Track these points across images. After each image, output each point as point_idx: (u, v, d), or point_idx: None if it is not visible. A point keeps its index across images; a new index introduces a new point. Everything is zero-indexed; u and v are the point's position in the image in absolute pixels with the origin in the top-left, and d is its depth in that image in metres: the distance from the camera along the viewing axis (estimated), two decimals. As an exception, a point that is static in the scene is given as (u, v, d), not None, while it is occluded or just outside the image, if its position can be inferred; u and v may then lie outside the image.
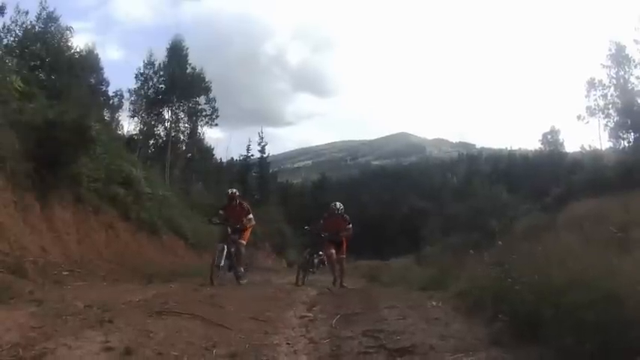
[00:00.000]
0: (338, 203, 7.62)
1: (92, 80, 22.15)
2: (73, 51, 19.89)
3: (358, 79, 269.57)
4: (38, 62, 16.66)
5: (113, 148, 9.61)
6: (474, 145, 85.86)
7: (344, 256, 7.44)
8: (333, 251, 7.22)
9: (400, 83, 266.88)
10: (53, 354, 2.24)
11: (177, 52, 26.94)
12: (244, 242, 6.71)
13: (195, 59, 28.05)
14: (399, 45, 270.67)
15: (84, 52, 21.44)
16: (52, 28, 19.31)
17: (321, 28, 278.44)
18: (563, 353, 1.93)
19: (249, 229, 6.90)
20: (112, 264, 6.25)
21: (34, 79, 11.30)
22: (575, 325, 1.92)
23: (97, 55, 23.75)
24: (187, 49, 27.34)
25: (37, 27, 18.93)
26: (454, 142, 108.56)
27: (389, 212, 41.95)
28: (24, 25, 18.48)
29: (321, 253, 7.32)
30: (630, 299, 1.84)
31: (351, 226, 7.46)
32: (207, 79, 27.68)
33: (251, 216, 6.77)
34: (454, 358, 2.24)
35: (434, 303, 3.80)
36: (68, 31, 19.80)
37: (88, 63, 21.49)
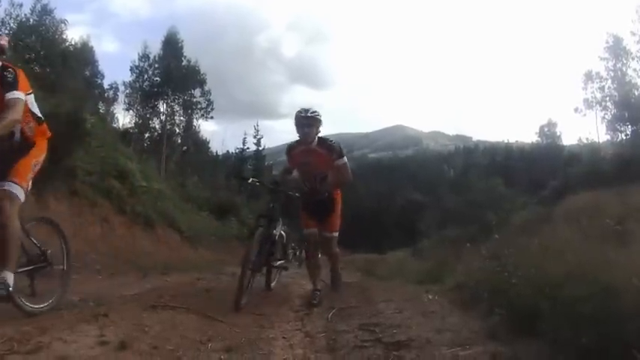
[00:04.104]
0: (309, 108, 3.77)
1: (87, 73, 22.04)
2: (67, 44, 19.78)
3: (354, 71, 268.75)
4: (32, 55, 16.54)
5: (108, 141, 9.54)
6: (470, 138, 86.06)
7: (335, 234, 3.86)
8: (315, 230, 3.76)
9: (396, 75, 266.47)
10: (48, 348, 2.21)
11: (172, 45, 26.82)
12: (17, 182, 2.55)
13: (191, 52, 27.97)
14: (394, 37, 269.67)
15: (78, 45, 21.34)
16: (47, 21, 19.17)
17: (316, 19, 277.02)
18: (560, 346, 1.92)
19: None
20: (107, 257, 6.22)
21: (28, 71, 11.14)
22: (572, 318, 1.92)
23: (92, 47, 23.67)
24: (182, 41, 27.27)
25: (31, 19, 18.80)
26: (451, 134, 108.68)
27: (385, 205, 42.05)
28: (18, 18, 18.33)
29: (294, 244, 4.57)
30: (627, 292, 1.84)
31: (345, 160, 3.76)
32: (202, 72, 27.63)
33: (17, 95, 2.50)
34: (451, 352, 2.24)
35: (430, 297, 3.79)
36: (63, 24, 19.67)
37: (83, 56, 21.37)
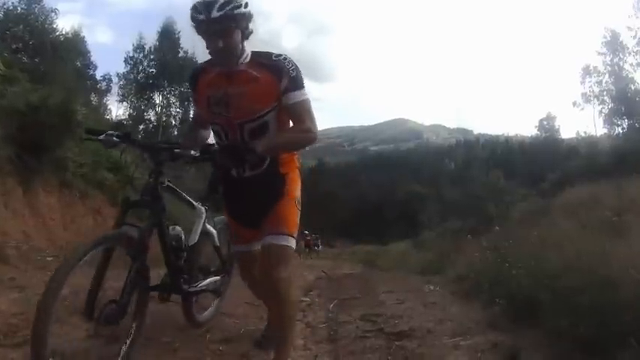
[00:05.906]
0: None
1: (78, 64, 21.72)
2: (58, 33, 19.44)
3: (356, 64, 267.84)
4: (21, 45, 16.28)
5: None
6: (471, 131, 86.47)
7: (288, 239, 1.72)
8: (247, 247, 1.92)
9: (398, 68, 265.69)
10: (36, 341, 2.16)
11: (168, 36, 26.54)
12: None
13: (188, 43, 27.61)
14: (396, 30, 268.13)
15: (69, 35, 20.96)
16: (36, 10, 18.84)
17: (318, 12, 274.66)
18: (559, 335, 1.93)
19: None
20: (100, 250, 6.11)
21: (16, 61, 10.95)
22: (571, 308, 1.93)
23: (84, 37, 23.27)
24: (179, 32, 26.91)
25: (19, 8, 18.45)
26: (452, 127, 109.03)
27: (387, 198, 42.22)
28: (5, 6, 18.03)
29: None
30: (624, 283, 1.84)
31: (306, 96, 1.69)
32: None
33: None
34: (452, 342, 2.23)
35: (432, 287, 3.82)
36: (53, 13, 19.34)
37: (74, 46, 21.03)
